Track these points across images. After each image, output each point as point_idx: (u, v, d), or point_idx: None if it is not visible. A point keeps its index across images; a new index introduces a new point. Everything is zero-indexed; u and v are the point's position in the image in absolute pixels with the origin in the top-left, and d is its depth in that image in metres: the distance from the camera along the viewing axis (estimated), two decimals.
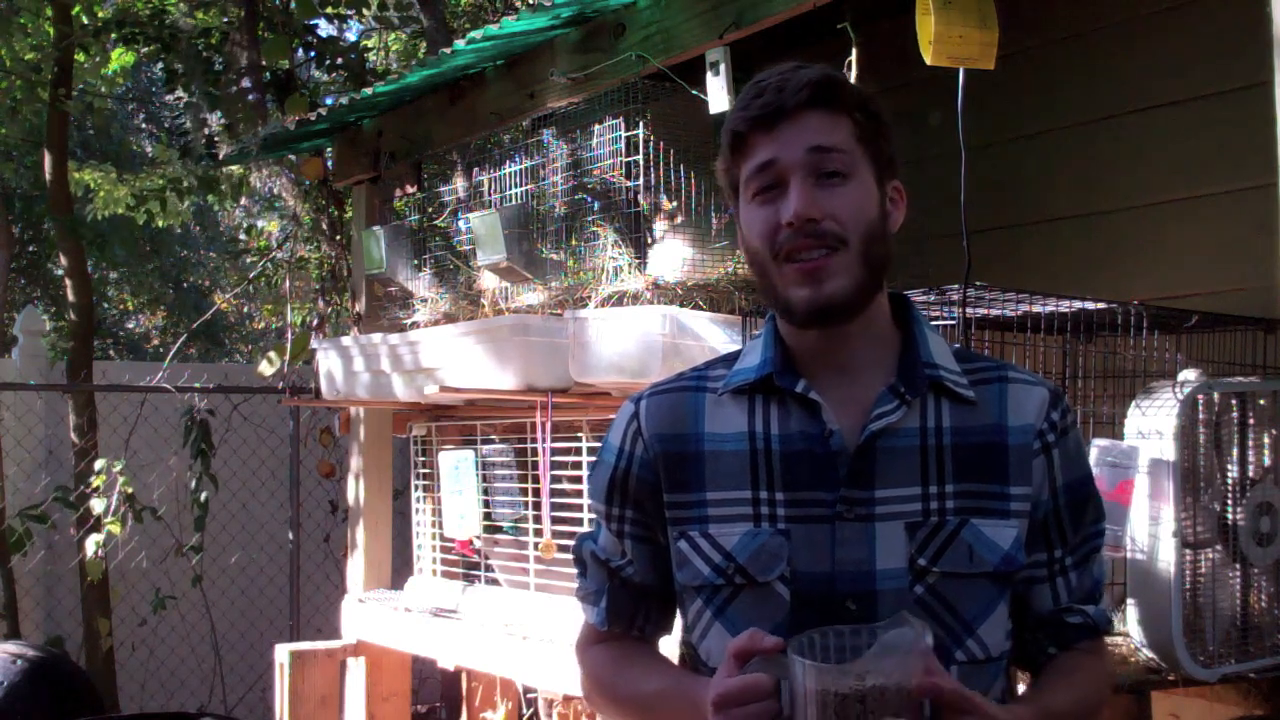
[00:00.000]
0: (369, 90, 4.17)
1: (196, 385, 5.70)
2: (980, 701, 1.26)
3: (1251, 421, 2.57)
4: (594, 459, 1.57)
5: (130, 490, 5.37)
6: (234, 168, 6.56)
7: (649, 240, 3.33)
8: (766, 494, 1.40)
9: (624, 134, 3.33)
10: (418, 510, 4.26)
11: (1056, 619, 1.47)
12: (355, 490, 4.70)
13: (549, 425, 3.35)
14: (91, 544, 5.32)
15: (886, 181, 1.43)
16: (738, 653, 1.27)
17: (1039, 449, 1.43)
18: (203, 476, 5.52)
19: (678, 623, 1.55)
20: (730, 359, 1.52)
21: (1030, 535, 1.42)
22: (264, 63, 5.77)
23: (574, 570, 1.61)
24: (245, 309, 13.82)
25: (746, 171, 1.42)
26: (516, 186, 3.73)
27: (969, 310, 2.53)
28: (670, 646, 1.56)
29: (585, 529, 2.60)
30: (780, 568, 1.38)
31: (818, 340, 1.43)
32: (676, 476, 1.45)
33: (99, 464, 5.36)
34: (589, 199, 3.52)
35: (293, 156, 5.63)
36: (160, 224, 7.69)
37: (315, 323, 6.10)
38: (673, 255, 3.27)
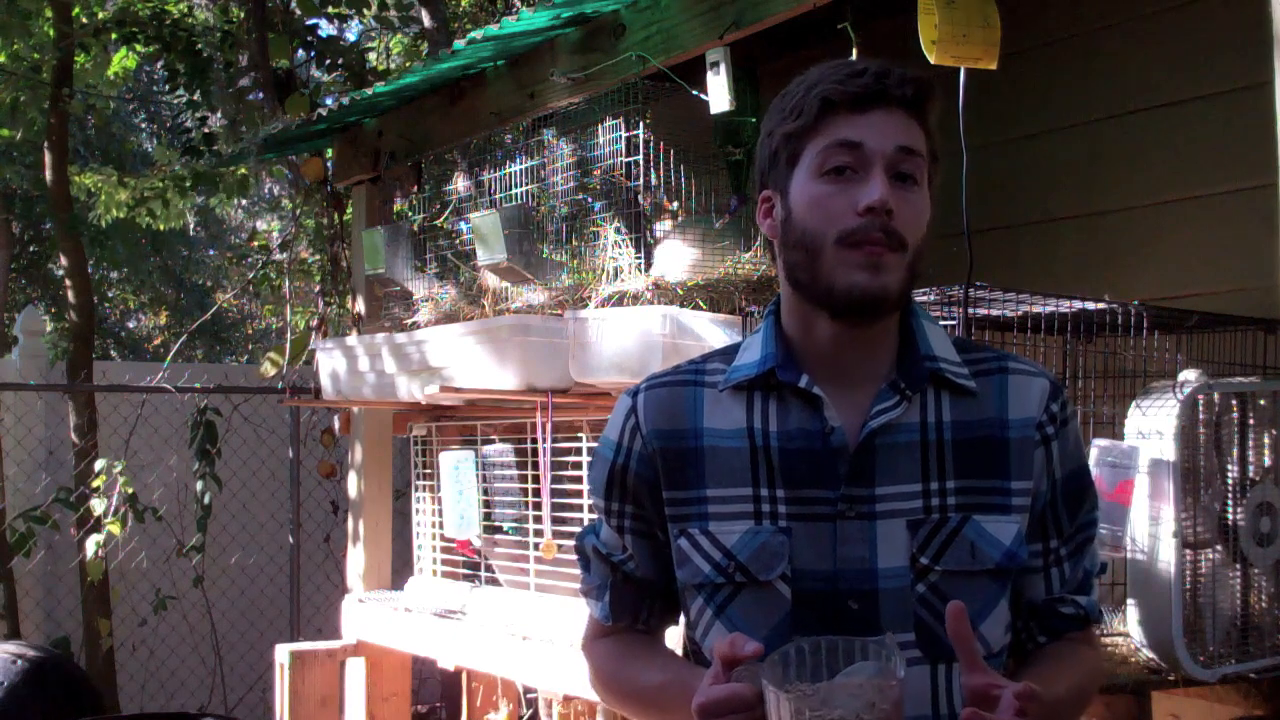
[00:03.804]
0: (369, 90, 4.17)
1: (196, 385, 5.70)
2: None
3: (1251, 421, 2.57)
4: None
5: (131, 490, 5.37)
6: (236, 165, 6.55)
7: (650, 240, 3.33)
8: (767, 491, 1.40)
9: (624, 134, 3.33)
10: (418, 510, 4.26)
11: (1049, 608, 1.46)
12: (355, 490, 4.70)
13: (549, 425, 3.35)
14: (92, 544, 5.31)
15: (932, 205, 1.43)
16: (723, 659, 1.26)
17: (1039, 441, 1.42)
18: (207, 477, 5.52)
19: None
20: (728, 354, 1.50)
21: (1028, 526, 1.42)
22: (272, 62, 5.77)
23: (574, 571, 1.62)
24: (247, 309, 13.83)
25: (822, 144, 1.37)
26: (517, 186, 3.73)
27: (969, 310, 2.53)
28: (676, 637, 1.56)
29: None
30: (781, 566, 1.37)
31: (833, 336, 1.41)
32: (676, 473, 1.44)
33: (99, 464, 5.36)
34: (589, 199, 3.52)
35: (293, 157, 5.63)
36: (161, 226, 7.68)
37: (316, 323, 6.11)
38: (673, 255, 3.27)
